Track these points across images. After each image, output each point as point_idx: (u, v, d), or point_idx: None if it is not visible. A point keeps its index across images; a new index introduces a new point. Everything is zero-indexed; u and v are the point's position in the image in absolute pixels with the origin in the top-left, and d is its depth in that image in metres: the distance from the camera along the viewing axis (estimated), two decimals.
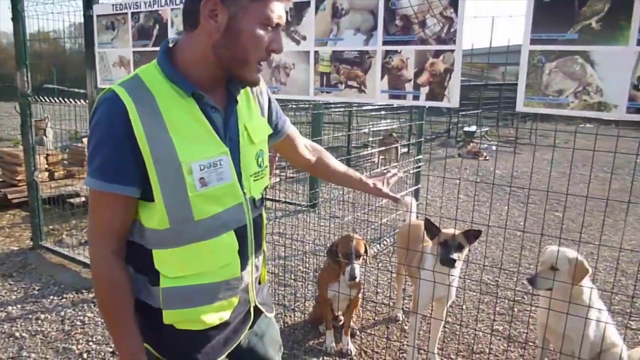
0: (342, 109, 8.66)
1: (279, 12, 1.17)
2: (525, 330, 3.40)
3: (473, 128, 13.81)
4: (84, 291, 3.87)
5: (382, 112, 8.18)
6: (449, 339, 3.31)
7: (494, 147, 12.33)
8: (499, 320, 3.58)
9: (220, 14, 1.13)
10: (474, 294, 3.85)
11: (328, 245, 3.20)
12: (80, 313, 3.55)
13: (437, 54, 2.20)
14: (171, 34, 3.06)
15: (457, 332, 3.38)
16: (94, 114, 1.13)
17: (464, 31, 2.13)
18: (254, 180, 1.31)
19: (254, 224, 1.32)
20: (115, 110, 1.10)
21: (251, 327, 1.42)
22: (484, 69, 20.41)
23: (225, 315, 1.30)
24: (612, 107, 1.89)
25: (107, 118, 1.11)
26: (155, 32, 3.17)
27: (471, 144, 11.72)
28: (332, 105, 8.53)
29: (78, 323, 3.42)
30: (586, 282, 2.55)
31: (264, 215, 1.42)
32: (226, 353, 1.35)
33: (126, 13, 3.29)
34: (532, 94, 2.03)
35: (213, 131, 1.20)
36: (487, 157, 11.36)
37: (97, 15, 3.50)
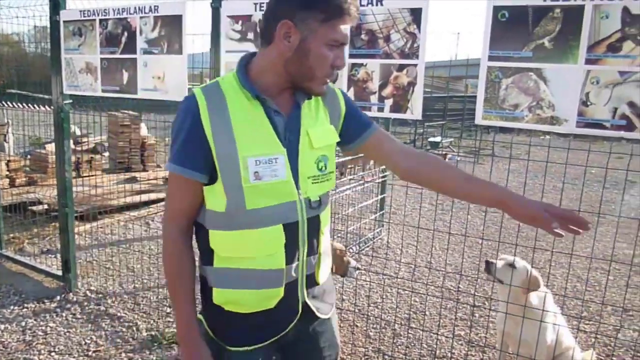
0: None
1: (344, 32, 1.30)
2: (485, 335, 3.52)
3: (438, 139, 14.12)
4: (45, 301, 3.80)
5: None
6: (412, 345, 3.39)
7: (457, 158, 12.62)
8: (460, 325, 3.68)
9: (293, 36, 1.27)
10: (437, 300, 3.95)
11: None
12: (42, 323, 3.48)
13: (400, 67, 2.29)
14: (140, 42, 3.07)
15: (421, 338, 3.46)
16: (178, 110, 1.36)
17: (427, 45, 2.23)
18: (312, 183, 1.39)
19: (308, 223, 1.39)
20: (189, 107, 1.31)
21: (301, 322, 1.45)
22: (448, 81, 20.87)
23: (270, 304, 1.39)
24: (563, 121, 2.01)
25: (183, 113, 1.32)
26: (123, 40, 3.16)
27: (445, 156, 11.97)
28: None
29: (40, 333, 3.36)
30: (541, 287, 2.67)
31: (324, 218, 1.46)
32: (269, 341, 1.43)
33: (94, 20, 3.28)
34: (490, 107, 2.13)
35: (273, 132, 1.33)
36: None
37: (64, 21, 3.47)
